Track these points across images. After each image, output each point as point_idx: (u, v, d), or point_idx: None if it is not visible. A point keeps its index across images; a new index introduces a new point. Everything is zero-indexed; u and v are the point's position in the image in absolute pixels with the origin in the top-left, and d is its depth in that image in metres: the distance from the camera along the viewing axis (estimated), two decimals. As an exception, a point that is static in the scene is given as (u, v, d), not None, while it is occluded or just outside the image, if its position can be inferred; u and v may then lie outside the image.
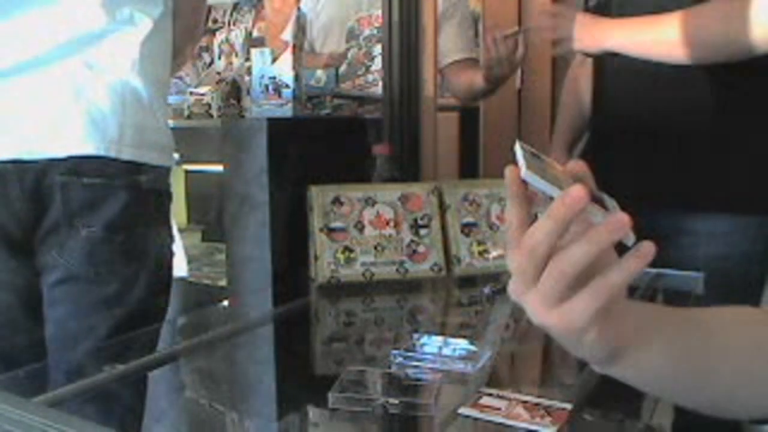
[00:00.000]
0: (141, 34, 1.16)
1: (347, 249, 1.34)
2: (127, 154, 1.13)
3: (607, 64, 1.45)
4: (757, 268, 1.35)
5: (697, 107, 1.32)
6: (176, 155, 1.29)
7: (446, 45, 2.10)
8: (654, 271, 1.26)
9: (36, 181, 1.10)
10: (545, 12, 1.52)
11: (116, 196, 1.12)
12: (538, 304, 0.49)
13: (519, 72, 2.38)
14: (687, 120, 1.33)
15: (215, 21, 3.32)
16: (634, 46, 1.34)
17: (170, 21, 1.24)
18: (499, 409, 0.77)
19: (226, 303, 1.51)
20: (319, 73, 1.80)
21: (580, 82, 1.70)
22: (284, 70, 1.44)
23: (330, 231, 1.34)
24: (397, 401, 0.79)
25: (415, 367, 0.90)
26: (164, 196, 1.24)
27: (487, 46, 1.61)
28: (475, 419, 0.77)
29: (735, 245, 1.34)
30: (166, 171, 1.23)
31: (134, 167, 1.14)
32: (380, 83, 1.67)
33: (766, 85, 1.30)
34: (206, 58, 2.73)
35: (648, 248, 0.47)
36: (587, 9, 1.50)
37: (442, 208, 1.40)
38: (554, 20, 1.45)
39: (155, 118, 1.19)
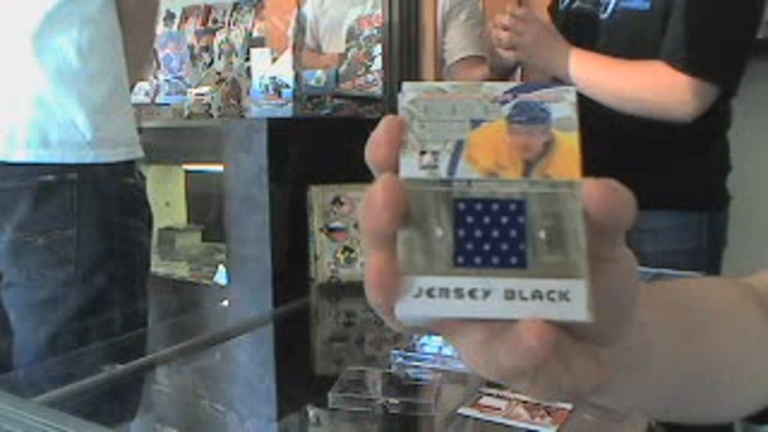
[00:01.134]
0: (33, 25, 1.07)
1: (347, 249, 1.33)
2: (19, 156, 1.07)
3: None
4: (704, 263, 1.37)
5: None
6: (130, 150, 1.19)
7: (453, 42, 2.10)
8: (654, 271, 1.26)
9: None
10: (510, 11, 1.43)
11: (20, 198, 1.07)
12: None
13: (519, 70, 2.38)
14: (628, 121, 1.36)
15: (215, 21, 3.33)
16: (577, 83, 1.35)
17: (80, 8, 1.12)
18: (499, 409, 0.77)
19: (226, 303, 1.51)
20: (319, 73, 1.80)
21: None
22: (284, 70, 1.44)
23: (330, 231, 1.34)
24: (397, 401, 0.79)
25: (415, 367, 0.90)
26: (93, 195, 1.13)
27: (488, 30, 1.59)
28: (475, 419, 0.76)
29: (679, 241, 1.38)
30: (94, 167, 1.13)
31: (36, 168, 1.08)
32: (380, 83, 1.67)
33: None
34: (206, 58, 2.73)
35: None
36: (570, 8, 1.48)
37: (442, 208, 1.40)
38: (513, 23, 1.40)
39: (65, 114, 1.09)
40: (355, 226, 1.35)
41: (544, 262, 0.27)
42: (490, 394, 0.80)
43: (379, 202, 0.28)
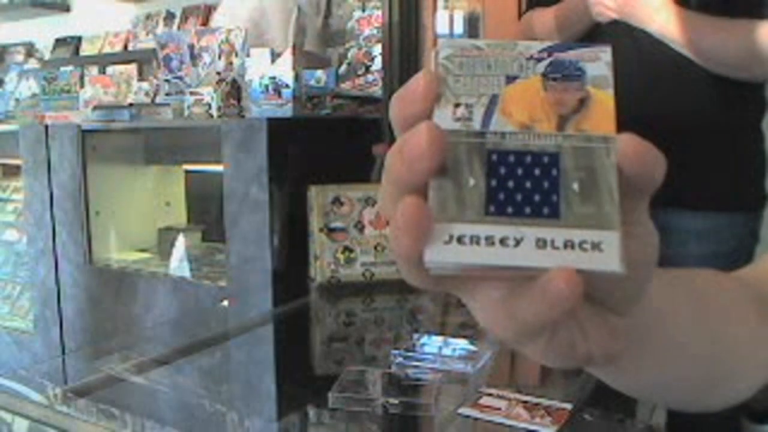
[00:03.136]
0: None
1: (347, 249, 1.33)
2: None
3: None
4: (741, 264, 1.36)
5: (683, 108, 1.34)
6: None
7: None
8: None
9: None
10: None
11: None
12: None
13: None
14: (673, 120, 1.34)
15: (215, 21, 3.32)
16: (671, 38, 1.30)
17: None
18: (499, 409, 0.77)
19: (226, 303, 1.51)
20: (319, 73, 1.80)
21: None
22: (284, 70, 1.44)
23: (330, 231, 1.34)
24: (397, 401, 0.79)
25: (415, 367, 0.90)
26: None
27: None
28: (475, 419, 0.76)
29: (723, 243, 1.36)
30: None
31: None
32: (380, 83, 1.67)
33: (747, 88, 1.32)
34: (206, 58, 2.73)
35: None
36: None
37: (442, 208, 1.40)
38: None
39: None
40: (355, 226, 1.35)
41: (577, 213, 0.27)
42: (490, 394, 0.80)
43: (420, 150, 0.27)
